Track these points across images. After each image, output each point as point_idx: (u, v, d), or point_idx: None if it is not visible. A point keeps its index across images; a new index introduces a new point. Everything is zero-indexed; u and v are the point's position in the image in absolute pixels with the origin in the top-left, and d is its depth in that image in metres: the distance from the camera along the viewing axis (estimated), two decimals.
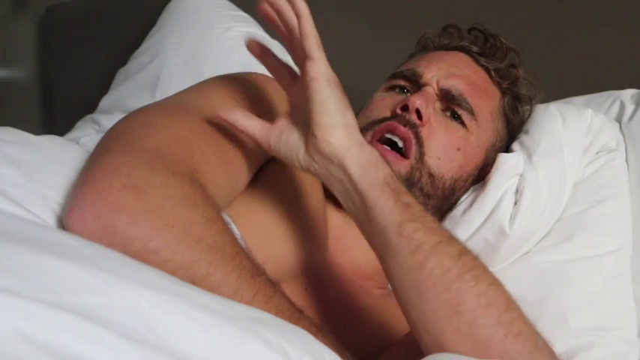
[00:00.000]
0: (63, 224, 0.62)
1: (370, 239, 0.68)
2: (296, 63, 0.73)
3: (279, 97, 0.85)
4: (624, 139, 1.02)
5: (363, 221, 0.68)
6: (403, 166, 0.88)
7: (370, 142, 0.89)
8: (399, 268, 0.64)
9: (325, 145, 0.67)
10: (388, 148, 0.89)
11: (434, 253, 0.63)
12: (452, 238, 0.65)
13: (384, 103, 0.95)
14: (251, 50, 0.76)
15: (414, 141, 0.88)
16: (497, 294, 0.63)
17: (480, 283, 0.62)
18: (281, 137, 0.71)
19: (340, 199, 0.70)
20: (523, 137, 0.99)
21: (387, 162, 0.87)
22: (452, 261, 0.62)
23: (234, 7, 1.56)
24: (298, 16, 0.67)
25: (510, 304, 0.63)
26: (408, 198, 0.66)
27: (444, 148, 0.91)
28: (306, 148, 0.69)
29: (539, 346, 0.63)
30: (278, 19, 0.70)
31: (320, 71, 0.67)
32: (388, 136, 0.89)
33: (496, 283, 0.64)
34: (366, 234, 0.68)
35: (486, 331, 0.61)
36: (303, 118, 0.70)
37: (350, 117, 0.68)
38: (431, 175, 0.90)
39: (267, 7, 0.70)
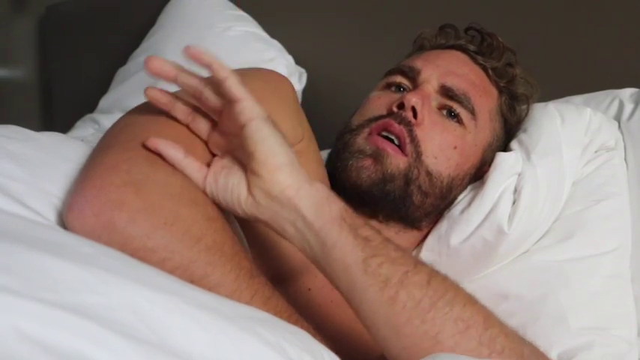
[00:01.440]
0: (63, 220, 0.62)
1: (333, 279, 0.64)
2: (211, 113, 0.68)
3: (288, 93, 0.85)
4: (623, 138, 1.02)
5: (324, 263, 0.63)
6: (402, 161, 0.88)
7: (368, 138, 0.89)
8: (369, 306, 0.61)
9: (273, 185, 0.63)
10: (387, 141, 0.89)
11: (403, 285, 0.60)
12: (418, 265, 0.63)
13: (380, 102, 0.95)
14: (154, 100, 0.69)
15: (408, 139, 0.88)
16: (474, 314, 0.62)
17: (455, 306, 0.61)
18: (217, 182, 0.65)
19: (294, 242, 0.65)
20: (522, 136, 0.99)
21: (387, 155, 0.88)
22: (422, 290, 0.61)
23: (233, 6, 1.56)
24: (209, 66, 0.63)
25: (488, 320, 0.62)
26: (366, 231, 0.63)
27: (441, 147, 0.91)
28: (249, 191, 0.64)
29: (525, 356, 0.63)
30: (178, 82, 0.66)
31: (253, 110, 0.62)
32: (384, 134, 0.89)
33: (470, 302, 0.63)
34: (328, 275, 0.64)
35: (469, 355, 0.60)
36: (237, 162, 0.66)
37: (292, 154, 0.64)
38: (429, 173, 0.90)
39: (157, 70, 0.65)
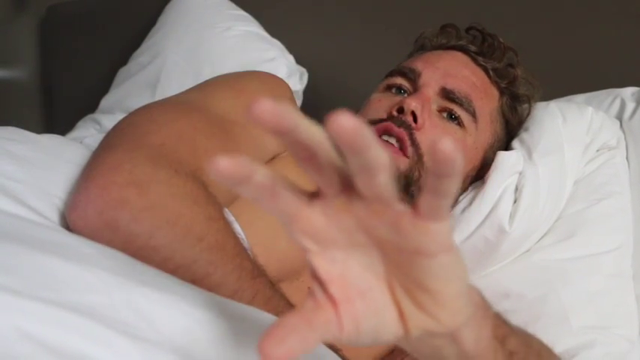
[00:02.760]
0: (65, 220, 0.62)
1: None
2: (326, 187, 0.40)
3: (285, 96, 0.84)
4: (625, 137, 1.02)
5: None
6: (403, 162, 0.88)
7: None
8: None
9: (448, 326, 0.43)
10: (388, 143, 0.88)
11: None
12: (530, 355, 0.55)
13: (380, 105, 0.95)
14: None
15: (408, 142, 0.88)
16: None
17: None
18: (360, 327, 0.41)
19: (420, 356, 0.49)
20: (523, 135, 0.99)
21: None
22: None
23: (234, 6, 1.56)
24: (446, 175, 0.36)
25: None
26: (511, 342, 0.51)
27: None
28: (404, 325, 0.42)
29: None
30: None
31: (449, 238, 0.40)
32: (384, 137, 0.89)
33: None
34: None
35: None
36: (372, 270, 0.41)
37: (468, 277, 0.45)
38: None
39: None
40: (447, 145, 0.34)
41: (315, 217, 0.40)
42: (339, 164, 0.38)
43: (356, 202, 0.39)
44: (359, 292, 0.41)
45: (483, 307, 0.48)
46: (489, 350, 0.48)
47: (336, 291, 0.40)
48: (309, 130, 0.36)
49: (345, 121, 0.34)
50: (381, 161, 0.36)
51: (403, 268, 0.40)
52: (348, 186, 0.38)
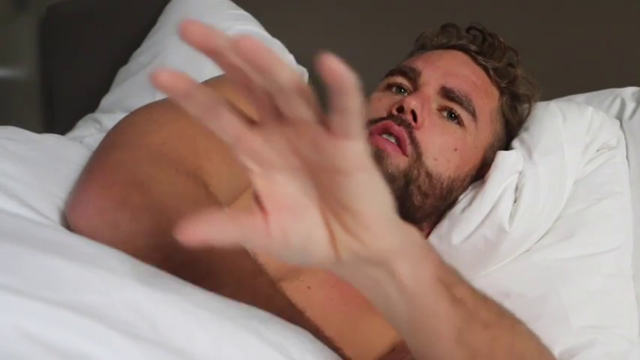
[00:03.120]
0: (66, 220, 0.62)
1: (410, 341, 0.55)
2: (259, 112, 0.44)
3: None
4: (625, 137, 1.02)
5: (405, 324, 0.53)
6: (402, 161, 0.88)
7: (369, 137, 0.89)
8: None
9: (374, 251, 0.47)
10: (388, 142, 0.88)
11: (490, 355, 0.55)
12: (500, 318, 0.57)
13: (380, 104, 0.95)
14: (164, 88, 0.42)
15: (408, 141, 0.88)
16: None
17: None
18: (288, 240, 0.45)
19: (371, 298, 0.53)
20: (523, 134, 1.00)
21: (387, 155, 0.88)
22: (507, 355, 0.56)
23: (234, 5, 1.56)
24: (343, 93, 0.39)
25: None
26: (461, 289, 0.53)
27: (441, 149, 0.91)
28: (334, 247, 0.46)
29: None
30: None
31: (364, 158, 0.43)
32: (384, 136, 0.89)
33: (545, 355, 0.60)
34: (404, 334, 0.55)
35: None
36: (306, 193, 0.45)
37: (392, 204, 0.48)
38: (429, 174, 0.90)
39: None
40: (331, 62, 0.38)
41: (256, 139, 0.44)
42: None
43: (286, 126, 0.43)
44: (291, 209, 0.44)
45: (424, 247, 0.51)
46: (431, 291, 0.50)
47: (269, 204, 0.44)
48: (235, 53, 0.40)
49: (248, 42, 0.38)
50: (290, 82, 0.39)
51: (329, 190, 0.44)
52: (280, 111, 0.42)
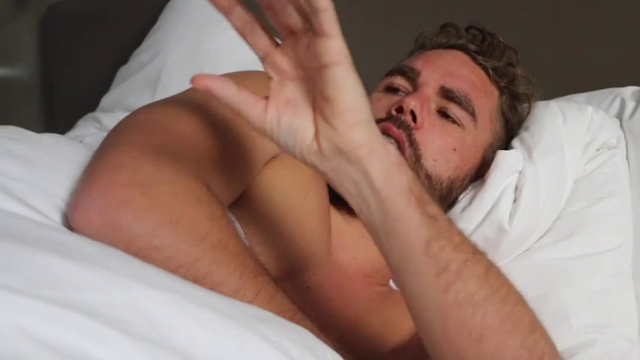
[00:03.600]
0: (67, 220, 0.62)
1: (385, 252, 0.60)
2: (280, 30, 0.58)
3: None
4: (625, 136, 1.02)
5: (380, 232, 0.59)
6: None
7: None
8: (421, 289, 0.58)
9: (347, 142, 0.55)
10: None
11: (461, 274, 0.57)
12: (477, 254, 0.60)
13: (379, 104, 0.95)
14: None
15: (407, 143, 0.88)
16: (522, 315, 0.60)
17: (507, 304, 0.59)
18: (280, 122, 0.57)
19: (352, 203, 0.59)
20: (523, 134, 1.00)
21: None
22: (479, 282, 0.58)
23: None
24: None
25: (534, 323, 0.61)
26: (433, 208, 0.58)
27: (440, 149, 0.91)
28: (317, 139, 0.57)
29: None
30: None
31: (342, 52, 0.53)
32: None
33: (521, 302, 0.61)
34: (380, 244, 0.60)
35: (511, 356, 0.58)
36: (304, 96, 0.58)
37: (370, 111, 0.57)
38: (428, 176, 0.90)
39: None
40: None
41: (277, 55, 0.57)
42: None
43: (295, 42, 0.56)
44: (289, 104, 0.57)
45: (399, 160, 0.58)
46: (402, 198, 0.57)
47: (274, 97, 0.58)
48: None
49: None
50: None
51: (318, 89, 0.55)
52: (292, 31, 0.56)
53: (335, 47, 0.53)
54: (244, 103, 0.57)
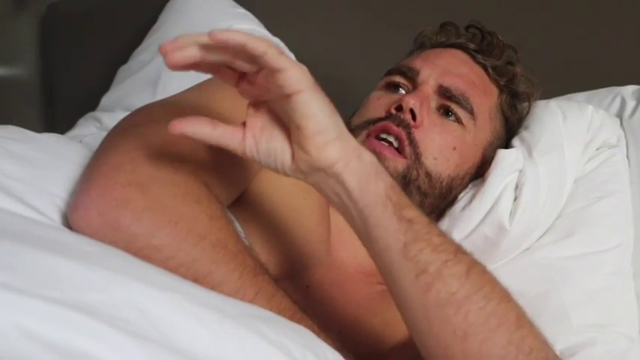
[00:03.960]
0: (67, 220, 0.62)
1: (372, 257, 0.63)
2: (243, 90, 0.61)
3: None
4: (625, 135, 1.02)
5: (365, 239, 0.62)
6: (400, 163, 0.88)
7: (366, 140, 0.89)
8: (403, 290, 0.61)
9: (321, 161, 0.59)
10: (385, 144, 0.89)
11: (440, 274, 0.59)
12: (459, 253, 0.61)
13: (379, 103, 0.95)
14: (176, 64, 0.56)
15: (406, 142, 0.88)
16: (508, 311, 0.61)
17: (490, 302, 0.60)
18: (259, 148, 0.61)
19: (339, 211, 0.64)
20: (523, 133, 0.99)
21: (384, 158, 0.88)
22: (460, 281, 0.59)
23: (234, 4, 1.56)
24: (242, 47, 0.54)
25: (520, 320, 0.62)
26: (410, 212, 0.61)
27: (440, 147, 0.91)
28: (294, 160, 0.60)
29: None
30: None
31: (300, 81, 0.56)
32: (383, 136, 0.89)
33: (506, 299, 0.62)
34: (368, 250, 0.63)
35: (497, 353, 0.59)
36: (276, 121, 0.61)
37: (341, 123, 0.60)
38: (428, 174, 0.90)
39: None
40: (216, 36, 0.53)
41: (245, 84, 0.60)
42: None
43: (255, 74, 0.58)
44: (264, 127, 0.61)
45: (377, 168, 0.61)
46: (379, 205, 0.60)
47: (249, 124, 0.61)
48: (215, 56, 0.56)
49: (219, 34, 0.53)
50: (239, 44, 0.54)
51: (286, 116, 0.58)
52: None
53: (292, 78, 0.55)
54: (222, 138, 0.60)
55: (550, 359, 0.62)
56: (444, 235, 0.63)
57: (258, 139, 0.61)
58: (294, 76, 0.55)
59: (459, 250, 0.62)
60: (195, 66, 0.57)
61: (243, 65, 0.57)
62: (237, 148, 0.61)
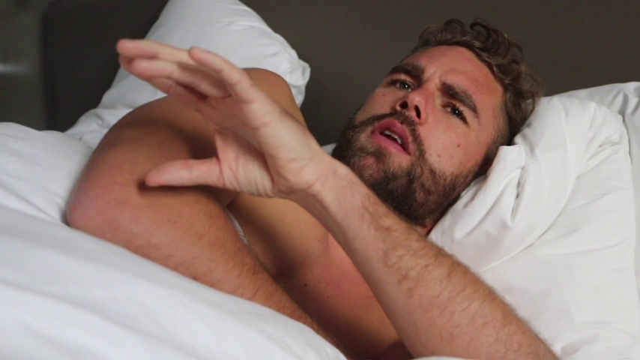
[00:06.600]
0: (66, 218, 0.62)
1: (356, 266, 0.64)
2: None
3: (283, 93, 0.84)
4: (627, 132, 1.02)
5: (347, 250, 0.64)
6: (405, 160, 0.88)
7: (371, 136, 0.89)
8: (387, 297, 0.62)
9: (298, 184, 0.60)
10: (390, 140, 0.89)
11: (422, 279, 0.60)
12: (439, 256, 0.62)
13: (384, 99, 0.95)
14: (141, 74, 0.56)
15: (410, 139, 0.88)
16: (493, 310, 0.62)
17: (474, 302, 0.61)
18: (238, 179, 0.61)
19: (323, 225, 0.65)
20: (526, 130, 0.99)
21: (389, 154, 0.88)
22: (442, 284, 0.61)
23: (236, 1, 1.56)
24: (218, 71, 0.53)
25: (507, 317, 0.62)
26: (388, 220, 0.62)
27: (444, 145, 0.91)
28: (274, 184, 0.61)
29: (541, 355, 0.63)
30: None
31: (266, 113, 0.56)
32: (387, 133, 0.89)
33: (490, 298, 0.62)
34: (352, 261, 0.65)
35: (485, 351, 0.60)
36: (246, 148, 0.61)
37: (313, 143, 0.61)
38: (432, 171, 0.90)
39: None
40: (197, 55, 0.52)
41: (208, 109, 0.60)
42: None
43: (225, 100, 0.57)
44: (238, 156, 0.61)
45: (353, 181, 0.62)
46: (356, 217, 0.61)
47: (222, 155, 0.61)
48: (185, 75, 0.56)
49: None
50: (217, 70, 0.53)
51: (256, 142, 0.59)
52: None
53: (259, 111, 0.56)
54: (200, 178, 0.61)
55: (540, 354, 0.63)
56: (424, 240, 0.63)
57: (235, 171, 0.61)
58: (261, 109, 0.55)
59: (439, 254, 0.63)
60: (150, 79, 0.57)
61: (210, 89, 0.57)
62: (217, 183, 0.61)
